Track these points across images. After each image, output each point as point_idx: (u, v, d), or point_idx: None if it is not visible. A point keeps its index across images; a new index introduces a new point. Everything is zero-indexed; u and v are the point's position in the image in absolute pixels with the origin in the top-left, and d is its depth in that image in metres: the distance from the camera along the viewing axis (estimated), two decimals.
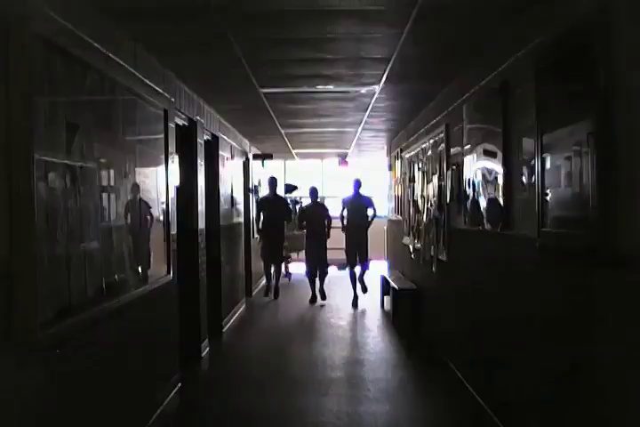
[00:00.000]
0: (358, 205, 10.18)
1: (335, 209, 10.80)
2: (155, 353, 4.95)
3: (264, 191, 13.93)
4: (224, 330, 7.93)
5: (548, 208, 3.47)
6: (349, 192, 10.41)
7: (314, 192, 10.57)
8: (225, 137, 8.50)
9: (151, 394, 4.78)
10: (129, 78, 4.25)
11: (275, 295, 10.33)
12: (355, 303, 9.65)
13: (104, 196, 3.75)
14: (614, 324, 2.76)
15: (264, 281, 10.87)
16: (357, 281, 9.89)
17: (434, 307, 7.20)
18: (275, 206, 10.41)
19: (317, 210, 10.43)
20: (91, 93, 3.57)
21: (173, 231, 5.37)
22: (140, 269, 4.45)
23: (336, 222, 10.38)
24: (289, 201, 15.03)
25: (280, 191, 11.35)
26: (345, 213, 10.27)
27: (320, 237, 10.21)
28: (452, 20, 4.17)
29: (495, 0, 3.78)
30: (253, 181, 11.82)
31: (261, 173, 12.69)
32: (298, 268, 13.02)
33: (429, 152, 7.28)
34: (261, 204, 10.77)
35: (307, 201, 11.47)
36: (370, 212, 10.23)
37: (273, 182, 10.63)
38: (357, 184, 10.33)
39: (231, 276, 8.67)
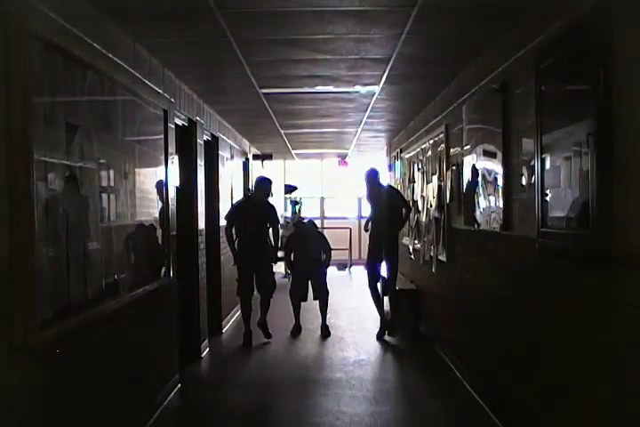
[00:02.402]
0: (383, 201, 7.60)
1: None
2: (155, 353, 4.95)
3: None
4: (224, 330, 7.93)
5: (548, 208, 3.47)
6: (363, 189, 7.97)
7: (304, 224, 8.00)
8: (225, 137, 8.50)
9: (151, 394, 4.78)
10: (129, 78, 4.25)
11: (265, 335, 7.40)
12: (380, 334, 7.41)
13: (104, 196, 3.75)
14: (615, 324, 2.76)
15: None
16: (389, 306, 7.67)
17: (433, 307, 7.20)
18: (257, 217, 7.37)
19: (310, 235, 7.90)
20: (90, 94, 3.57)
21: (173, 231, 5.37)
22: (139, 269, 4.45)
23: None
24: (289, 202, 14.89)
25: (273, 196, 8.35)
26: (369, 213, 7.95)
27: (315, 268, 7.79)
28: (452, 20, 4.17)
29: (495, 0, 3.78)
30: (253, 182, 11.71)
31: (261, 173, 12.70)
32: None
33: (429, 152, 7.29)
34: (236, 211, 7.51)
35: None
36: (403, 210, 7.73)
37: (265, 185, 7.57)
38: (372, 175, 7.72)
39: (231, 276, 8.66)
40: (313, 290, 7.82)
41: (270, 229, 7.53)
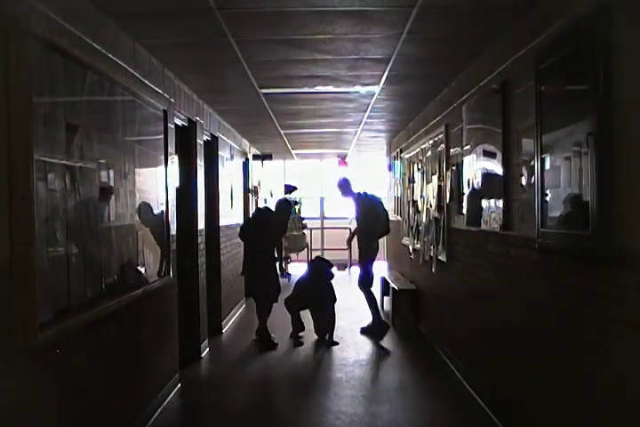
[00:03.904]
0: (372, 209, 7.78)
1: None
2: (154, 353, 4.95)
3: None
4: (224, 330, 7.94)
5: (548, 208, 3.47)
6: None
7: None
8: (224, 137, 8.50)
9: (151, 394, 4.78)
10: (128, 78, 4.25)
11: (271, 345, 7.19)
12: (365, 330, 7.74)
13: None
14: (615, 324, 2.76)
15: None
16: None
17: (433, 307, 7.20)
18: (264, 222, 7.45)
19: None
20: (90, 94, 3.57)
21: (173, 232, 5.37)
22: (139, 269, 4.45)
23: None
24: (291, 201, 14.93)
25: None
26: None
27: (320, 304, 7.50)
28: (452, 20, 4.17)
29: (495, 0, 3.78)
30: (253, 182, 11.75)
31: (261, 173, 12.71)
32: (297, 268, 13.03)
33: (429, 153, 7.29)
34: (250, 225, 7.73)
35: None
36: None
37: (285, 208, 7.76)
38: (340, 184, 7.88)
39: (231, 276, 8.67)
40: (318, 326, 7.51)
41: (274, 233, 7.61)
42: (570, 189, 3.19)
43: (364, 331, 7.77)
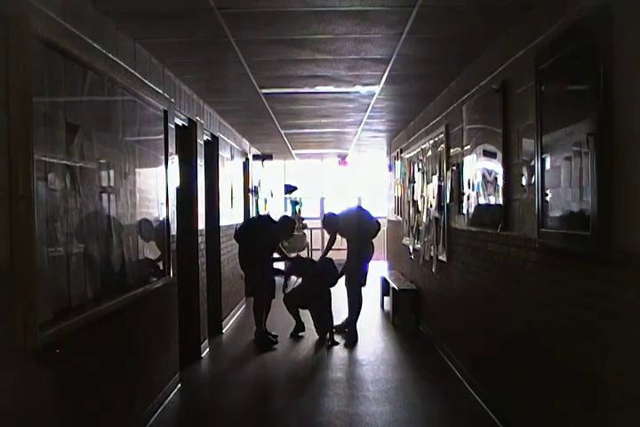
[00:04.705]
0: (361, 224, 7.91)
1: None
2: (155, 353, 4.95)
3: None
4: (224, 330, 7.94)
5: (548, 208, 3.48)
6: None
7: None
8: (225, 137, 8.50)
9: (151, 394, 4.78)
10: (129, 78, 4.25)
11: (271, 345, 7.21)
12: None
13: (104, 196, 3.75)
14: (615, 324, 2.76)
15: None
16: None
17: (434, 307, 7.20)
18: (269, 234, 7.52)
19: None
20: (90, 94, 3.57)
21: (173, 232, 5.37)
22: (139, 269, 4.45)
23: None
24: (289, 202, 14.94)
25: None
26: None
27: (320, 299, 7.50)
28: (452, 20, 4.17)
29: (495, 0, 3.78)
30: (253, 182, 11.75)
31: (261, 173, 12.71)
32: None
33: (429, 153, 7.29)
34: (247, 229, 7.76)
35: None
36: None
37: (288, 226, 7.88)
38: (326, 222, 8.05)
39: (231, 276, 8.67)
40: (319, 326, 7.53)
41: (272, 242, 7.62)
42: (570, 190, 3.19)
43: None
